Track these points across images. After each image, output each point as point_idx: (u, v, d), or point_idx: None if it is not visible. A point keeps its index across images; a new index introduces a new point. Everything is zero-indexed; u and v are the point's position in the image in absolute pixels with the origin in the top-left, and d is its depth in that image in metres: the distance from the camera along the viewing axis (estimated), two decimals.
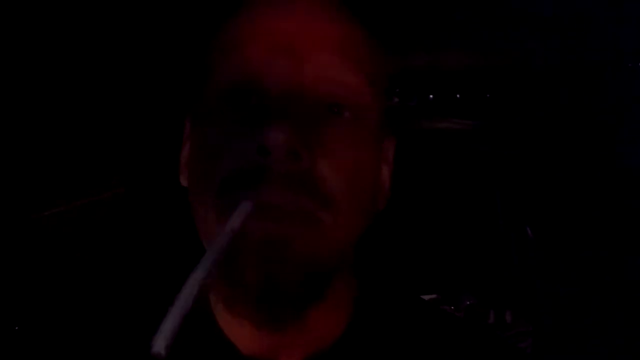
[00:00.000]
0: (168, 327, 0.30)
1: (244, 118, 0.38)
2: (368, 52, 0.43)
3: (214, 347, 0.45)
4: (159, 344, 0.30)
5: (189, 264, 0.35)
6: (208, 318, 0.46)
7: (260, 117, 0.37)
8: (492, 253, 3.08)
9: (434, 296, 2.15)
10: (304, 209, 0.37)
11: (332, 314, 0.45)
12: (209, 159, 0.39)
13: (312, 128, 0.38)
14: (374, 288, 0.49)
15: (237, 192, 0.37)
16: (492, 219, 3.26)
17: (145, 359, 0.41)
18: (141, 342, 0.43)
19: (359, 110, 0.41)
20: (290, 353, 0.44)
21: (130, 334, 0.46)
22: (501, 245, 3.05)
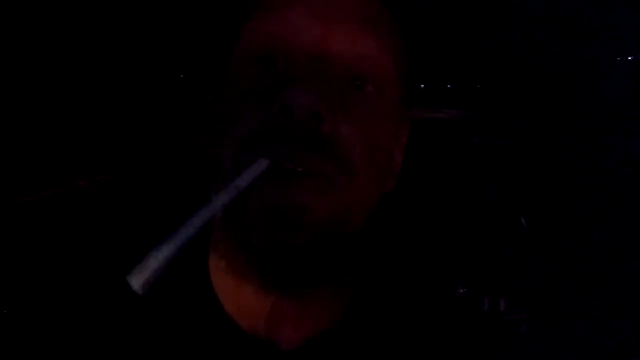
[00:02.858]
0: (152, 263, 0.29)
1: (270, 81, 0.39)
2: (393, 33, 0.43)
3: (213, 324, 0.43)
4: (137, 280, 0.29)
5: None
6: (208, 292, 0.45)
7: (287, 81, 0.38)
8: (486, 242, 3.10)
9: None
10: (321, 171, 0.37)
11: (334, 292, 0.45)
12: (233, 117, 0.39)
13: (336, 95, 0.38)
14: (374, 272, 0.49)
15: (257, 149, 0.37)
16: (486, 208, 3.29)
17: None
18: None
19: (382, 86, 0.41)
20: (289, 330, 0.43)
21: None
22: (495, 234, 3.08)
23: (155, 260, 0.29)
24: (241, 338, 0.43)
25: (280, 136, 0.37)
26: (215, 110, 0.43)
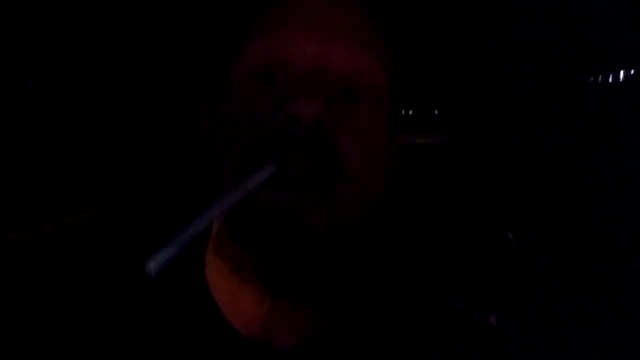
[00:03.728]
0: (166, 251, 0.32)
1: (271, 93, 0.41)
2: (386, 49, 0.45)
3: (209, 325, 0.44)
4: (153, 264, 0.32)
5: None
6: (204, 293, 0.46)
7: (287, 93, 0.39)
8: (475, 258, 3.16)
9: None
10: (322, 179, 0.39)
11: (328, 296, 0.46)
12: (236, 126, 0.41)
13: (334, 106, 0.40)
14: (367, 276, 0.50)
15: (261, 156, 0.38)
16: (475, 226, 3.36)
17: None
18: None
19: (375, 99, 0.43)
20: (284, 332, 0.44)
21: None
22: (484, 250, 3.14)
23: (170, 248, 0.32)
24: (236, 339, 0.44)
25: (284, 144, 0.38)
26: (216, 119, 0.45)
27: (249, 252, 0.41)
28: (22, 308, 0.46)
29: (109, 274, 0.48)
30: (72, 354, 0.43)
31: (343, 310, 0.47)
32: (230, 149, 0.41)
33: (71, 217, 5.50)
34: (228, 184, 0.39)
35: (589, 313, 2.85)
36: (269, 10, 0.44)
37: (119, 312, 0.45)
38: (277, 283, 0.42)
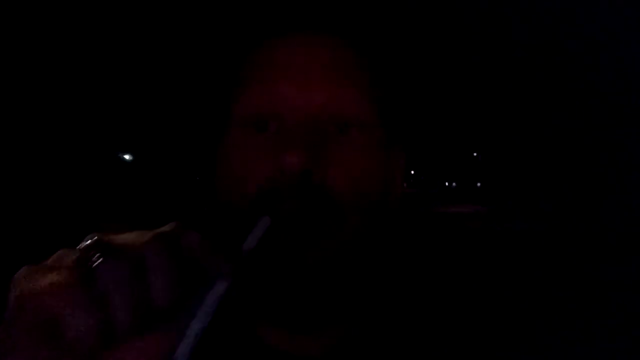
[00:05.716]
0: (185, 346, 0.30)
1: (265, 142, 0.45)
2: (373, 80, 0.49)
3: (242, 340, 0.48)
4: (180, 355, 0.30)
5: None
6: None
7: (279, 143, 0.43)
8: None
9: None
10: (316, 217, 0.43)
11: (344, 322, 0.49)
12: (236, 176, 0.46)
13: (322, 147, 0.44)
14: (382, 302, 0.52)
15: (259, 206, 0.43)
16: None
17: None
18: None
19: (366, 129, 0.47)
20: (316, 346, 0.48)
21: None
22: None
23: (189, 338, 0.31)
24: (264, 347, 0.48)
25: (277, 195, 0.43)
26: (223, 167, 0.49)
27: (268, 304, 0.46)
28: None
29: None
30: None
31: (358, 332, 0.49)
32: (233, 198, 0.46)
33: None
34: (242, 235, 0.42)
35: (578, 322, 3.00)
36: (256, 59, 0.49)
37: None
38: (291, 319, 0.46)
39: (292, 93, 0.45)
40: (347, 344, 0.48)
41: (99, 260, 0.28)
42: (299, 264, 0.43)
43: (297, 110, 0.45)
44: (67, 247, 0.30)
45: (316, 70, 0.46)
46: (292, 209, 0.42)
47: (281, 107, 0.45)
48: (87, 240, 0.30)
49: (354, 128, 0.46)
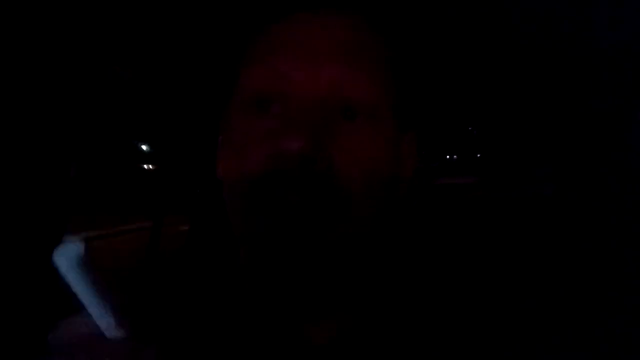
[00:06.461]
0: None
1: (268, 125, 0.43)
2: (382, 63, 0.46)
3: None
4: None
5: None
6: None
7: (282, 123, 0.42)
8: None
9: None
10: (319, 205, 0.41)
11: (350, 311, 0.48)
12: (238, 164, 0.44)
13: (327, 132, 0.42)
14: (389, 290, 0.51)
15: (266, 193, 0.41)
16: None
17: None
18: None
19: (372, 112, 0.44)
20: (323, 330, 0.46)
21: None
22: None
23: None
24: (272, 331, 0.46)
25: (280, 181, 0.41)
26: (226, 148, 0.48)
27: (268, 278, 0.45)
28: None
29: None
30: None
31: (365, 320, 0.47)
32: (236, 187, 0.44)
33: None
34: (240, 225, 0.43)
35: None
36: (261, 38, 0.47)
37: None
38: (297, 308, 0.45)
39: (298, 71, 0.43)
40: (354, 332, 0.46)
41: None
42: (304, 254, 0.41)
43: (302, 89, 0.42)
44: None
45: (325, 50, 0.43)
46: (296, 200, 0.41)
47: (285, 86, 0.43)
48: None
49: (361, 115, 0.44)
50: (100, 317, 0.34)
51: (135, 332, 0.37)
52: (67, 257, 0.33)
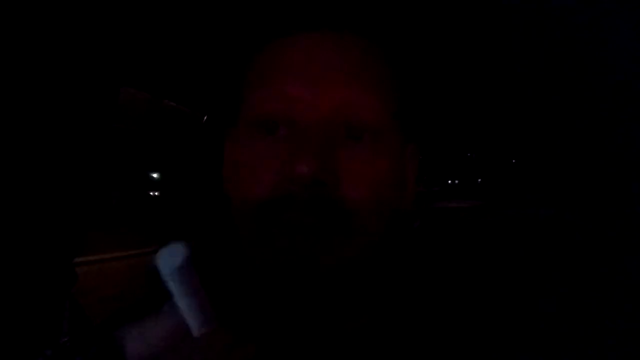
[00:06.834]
0: None
1: (276, 147, 0.43)
2: (386, 83, 0.46)
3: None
4: None
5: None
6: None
7: (289, 148, 0.42)
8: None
9: None
10: (326, 226, 0.41)
11: (356, 328, 0.48)
12: (247, 186, 0.44)
13: (334, 154, 0.42)
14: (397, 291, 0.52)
15: (274, 217, 0.42)
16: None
17: None
18: None
19: (377, 131, 0.44)
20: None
21: None
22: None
23: None
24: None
25: (288, 204, 0.41)
26: (232, 167, 0.48)
27: (273, 295, 0.45)
28: None
29: None
30: None
31: (372, 332, 0.47)
32: (245, 209, 0.44)
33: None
34: (251, 248, 0.44)
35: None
36: (264, 58, 0.46)
37: None
38: (303, 324, 0.46)
39: (305, 94, 0.43)
40: (360, 345, 0.46)
41: None
42: (310, 272, 0.42)
43: (310, 112, 0.42)
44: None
45: (330, 71, 0.43)
46: (309, 222, 0.41)
47: (293, 109, 0.43)
48: None
49: (367, 134, 0.44)
50: (194, 316, 0.36)
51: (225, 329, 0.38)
52: (170, 258, 0.35)
